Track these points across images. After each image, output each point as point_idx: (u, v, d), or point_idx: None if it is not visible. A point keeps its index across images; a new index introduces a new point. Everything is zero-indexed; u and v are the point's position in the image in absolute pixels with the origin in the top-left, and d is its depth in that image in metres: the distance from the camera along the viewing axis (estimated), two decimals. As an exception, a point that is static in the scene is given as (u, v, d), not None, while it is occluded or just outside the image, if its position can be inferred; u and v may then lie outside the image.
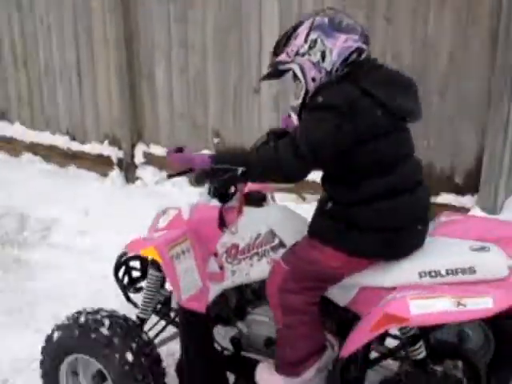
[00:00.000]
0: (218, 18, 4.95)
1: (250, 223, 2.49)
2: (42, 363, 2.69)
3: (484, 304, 1.93)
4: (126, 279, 2.98)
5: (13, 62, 6.24)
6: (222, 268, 2.53)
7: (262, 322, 2.57)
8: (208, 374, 2.59)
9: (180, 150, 2.40)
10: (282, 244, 2.40)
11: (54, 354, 2.64)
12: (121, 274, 2.95)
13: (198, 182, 2.27)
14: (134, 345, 2.52)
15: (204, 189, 2.38)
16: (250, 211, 2.53)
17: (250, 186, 2.60)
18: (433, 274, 2.12)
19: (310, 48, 2.22)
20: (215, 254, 2.56)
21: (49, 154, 6.14)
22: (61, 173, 5.86)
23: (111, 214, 4.77)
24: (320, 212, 2.31)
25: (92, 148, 5.89)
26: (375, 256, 2.22)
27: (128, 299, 3.00)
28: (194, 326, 2.58)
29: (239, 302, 2.62)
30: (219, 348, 2.68)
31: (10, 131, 6.38)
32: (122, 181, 5.61)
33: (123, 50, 5.40)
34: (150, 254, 2.54)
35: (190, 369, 2.60)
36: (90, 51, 5.68)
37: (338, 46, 2.19)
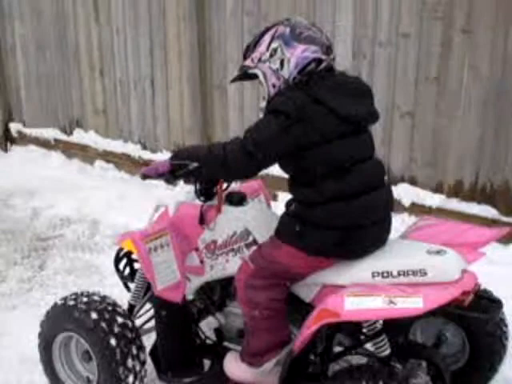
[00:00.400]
0: (291, 30, 4.95)
1: (228, 221, 2.63)
2: (39, 335, 2.89)
3: (414, 304, 2.02)
4: (127, 271, 3.12)
5: (89, 72, 6.42)
6: (202, 262, 2.71)
7: (236, 314, 2.72)
8: (181, 359, 2.78)
9: (148, 164, 2.67)
10: (255, 242, 2.56)
11: (49, 330, 2.84)
12: (122, 265, 3.11)
13: (167, 182, 2.50)
14: (118, 330, 2.67)
15: (190, 189, 2.67)
16: (228, 210, 2.67)
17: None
18: (385, 274, 2.23)
19: (271, 56, 2.35)
20: (196, 249, 2.72)
21: (121, 161, 6.28)
22: (131, 180, 5.97)
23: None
24: (285, 213, 2.45)
25: (162, 157, 5.98)
26: (332, 255, 2.33)
27: (128, 290, 3.14)
28: (169, 315, 2.77)
29: (221, 295, 2.79)
30: (203, 337, 2.87)
31: (84, 139, 6.56)
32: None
33: (196, 61, 5.48)
34: (128, 246, 2.76)
35: (163, 354, 2.79)
36: (164, 62, 5.78)
37: (296, 56, 2.32)
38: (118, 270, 3.11)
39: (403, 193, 4.62)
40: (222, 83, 5.45)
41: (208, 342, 2.87)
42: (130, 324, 2.75)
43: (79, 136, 6.62)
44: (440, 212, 4.49)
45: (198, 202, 2.73)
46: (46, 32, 6.66)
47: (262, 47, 2.37)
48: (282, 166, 2.43)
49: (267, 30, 2.40)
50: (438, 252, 2.24)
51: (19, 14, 6.83)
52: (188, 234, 2.75)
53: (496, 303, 2.40)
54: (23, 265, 4.38)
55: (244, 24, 5.19)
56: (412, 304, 2.03)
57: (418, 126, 4.55)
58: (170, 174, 2.43)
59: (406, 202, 4.61)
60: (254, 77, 2.46)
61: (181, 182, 2.65)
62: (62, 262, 4.41)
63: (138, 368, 2.71)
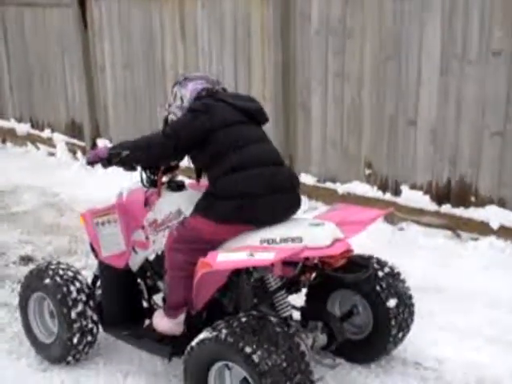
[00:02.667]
0: (376, 48, 4.93)
1: (165, 203, 3.15)
2: (19, 292, 3.55)
3: (267, 256, 2.55)
4: None
5: (174, 90, 6.57)
6: (147, 238, 3.22)
7: None
8: (121, 316, 3.36)
9: (94, 149, 3.27)
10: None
11: (23, 290, 3.51)
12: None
13: (103, 166, 3.05)
14: (75, 294, 3.29)
15: (138, 177, 3.24)
16: (166, 194, 3.19)
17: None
18: (270, 240, 2.71)
19: (174, 99, 3.14)
20: (142, 227, 3.23)
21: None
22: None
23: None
24: (204, 193, 2.95)
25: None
26: (235, 222, 2.80)
27: None
28: (111, 278, 3.36)
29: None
30: (152, 303, 3.38)
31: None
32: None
33: (280, 80, 5.52)
34: (80, 220, 3.42)
35: (106, 309, 3.38)
36: (248, 81, 5.86)
37: (189, 89, 3.10)
38: (93, 249, 3.50)
39: (492, 215, 4.48)
40: (306, 103, 5.46)
41: (155, 307, 3.35)
42: (86, 289, 3.36)
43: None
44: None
45: (143, 188, 3.26)
46: (134, 52, 6.89)
47: (169, 97, 3.21)
48: (196, 159, 3.03)
49: (173, 86, 3.19)
50: (317, 225, 2.72)
51: (109, 33, 7.10)
52: (135, 214, 3.27)
53: (364, 267, 2.94)
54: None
55: (329, 43, 5.20)
56: (266, 256, 2.55)
57: (509, 146, 4.40)
58: (106, 160, 3.02)
59: (495, 225, 4.46)
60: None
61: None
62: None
63: (89, 326, 3.32)
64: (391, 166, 5.04)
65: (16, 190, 6.79)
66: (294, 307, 3.08)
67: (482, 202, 4.57)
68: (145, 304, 3.43)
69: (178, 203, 3.11)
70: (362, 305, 3.22)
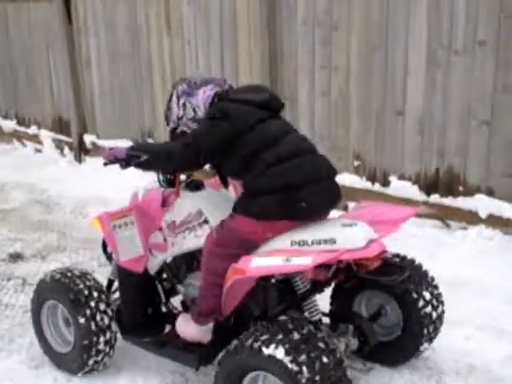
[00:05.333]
0: (363, 40, 4.93)
1: (184, 204, 3.01)
2: (32, 301, 3.36)
3: (305, 261, 2.40)
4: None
5: (161, 84, 6.57)
6: (165, 240, 3.08)
7: (193, 285, 3.05)
8: (141, 322, 3.22)
9: (111, 149, 3.01)
10: (206, 221, 2.92)
11: (38, 296, 3.32)
12: (109, 249, 3.38)
13: (122, 167, 2.88)
14: (93, 303, 3.11)
15: (155, 177, 3.12)
16: (185, 195, 3.05)
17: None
18: (301, 242, 2.55)
19: (184, 110, 2.91)
20: (160, 229, 3.10)
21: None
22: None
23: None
24: (241, 193, 2.80)
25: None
26: (278, 217, 2.63)
27: None
28: (131, 283, 3.20)
29: (185, 269, 3.15)
30: (171, 307, 3.25)
31: (155, 149, 6.67)
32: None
33: (267, 72, 5.51)
34: (95, 223, 3.20)
35: (125, 316, 3.24)
36: (235, 73, 5.84)
37: (201, 99, 2.89)
38: (105, 252, 3.45)
39: (480, 204, 4.50)
40: (293, 95, 5.45)
41: (175, 311, 3.23)
42: (104, 298, 3.18)
43: (151, 147, 6.75)
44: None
45: (161, 189, 3.14)
46: (119, 45, 6.85)
47: (174, 108, 2.95)
48: (223, 168, 2.88)
49: (171, 95, 2.98)
50: (350, 225, 2.58)
51: (94, 27, 7.05)
52: (153, 216, 3.14)
53: (400, 269, 2.79)
54: (100, 273, 4.47)
55: (315, 34, 5.19)
56: (303, 261, 2.40)
57: (496, 136, 4.42)
58: (125, 162, 2.86)
59: (483, 214, 4.48)
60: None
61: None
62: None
63: (107, 334, 3.13)
64: (379, 157, 5.06)
65: (3, 188, 6.76)
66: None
67: (470, 192, 4.60)
68: (163, 308, 3.29)
69: (198, 204, 2.97)
70: (390, 305, 3.09)
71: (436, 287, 3.10)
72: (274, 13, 5.39)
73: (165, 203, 3.10)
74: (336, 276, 2.83)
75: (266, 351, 2.41)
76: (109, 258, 3.45)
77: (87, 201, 6.08)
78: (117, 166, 2.95)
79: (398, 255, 3.09)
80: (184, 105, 2.91)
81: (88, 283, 3.19)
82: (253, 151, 2.70)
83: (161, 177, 3.09)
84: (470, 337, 3.41)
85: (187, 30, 6.16)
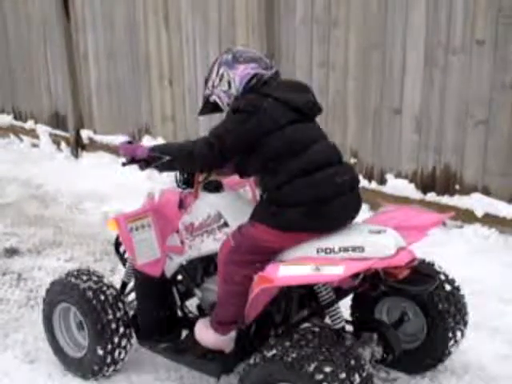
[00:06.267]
0: (361, 38, 4.93)
1: (203, 206, 2.90)
2: (43, 301, 3.28)
3: (336, 270, 2.29)
4: (126, 254, 3.32)
5: (159, 80, 6.55)
6: (182, 243, 2.99)
7: (210, 289, 2.97)
8: (158, 327, 3.10)
9: (130, 142, 2.93)
10: (226, 224, 2.82)
11: (51, 298, 3.23)
12: (122, 249, 3.38)
13: (141, 168, 2.78)
14: (109, 308, 3.04)
15: (173, 178, 3.05)
16: (204, 196, 2.93)
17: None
18: (328, 250, 2.45)
19: (220, 80, 2.79)
20: (177, 231, 3.00)
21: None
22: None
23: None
24: (260, 200, 2.72)
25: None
26: (302, 228, 2.54)
27: None
28: (148, 287, 3.10)
29: (202, 273, 3.06)
30: (187, 311, 3.15)
31: (152, 145, 6.66)
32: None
33: (265, 69, 5.49)
34: (112, 225, 3.07)
35: (142, 321, 3.13)
36: (233, 70, 5.83)
37: (239, 75, 2.74)
38: (118, 252, 3.41)
39: (476, 203, 4.51)
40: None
41: (191, 315, 3.14)
42: (120, 303, 3.11)
43: (148, 143, 6.74)
44: (515, 223, 4.38)
45: (178, 190, 3.05)
46: (117, 41, 6.84)
47: (213, 75, 2.83)
48: (243, 166, 2.73)
49: (215, 60, 2.86)
50: (378, 232, 2.47)
51: (92, 23, 7.03)
52: (170, 218, 3.03)
53: (430, 277, 2.62)
54: (96, 268, 4.45)
55: (313, 32, 5.19)
56: (334, 270, 2.29)
57: (493, 135, 4.43)
58: (145, 162, 2.76)
59: (479, 213, 4.49)
60: (217, 108, 2.89)
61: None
62: (132, 266, 4.47)
63: (122, 339, 3.07)
64: (376, 155, 5.06)
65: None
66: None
67: (466, 190, 4.60)
68: (178, 312, 3.19)
69: (217, 206, 2.86)
70: (413, 311, 3.01)
71: (458, 289, 3.04)
72: (273, 10, 5.38)
73: (182, 204, 3.01)
74: (362, 284, 2.64)
75: (291, 361, 2.32)
76: (122, 258, 3.40)
77: (84, 196, 6.07)
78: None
79: (424, 262, 2.96)
80: (222, 75, 2.78)
81: (102, 286, 3.11)
82: (277, 154, 2.58)
83: (178, 177, 3.02)
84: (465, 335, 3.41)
85: (185, 26, 6.14)
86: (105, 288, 3.11)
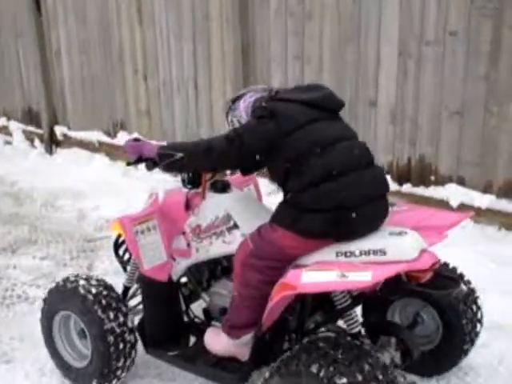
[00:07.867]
0: (336, 31, 4.93)
1: (211, 207, 2.79)
2: (42, 310, 3.11)
3: (363, 277, 2.16)
4: (126, 256, 3.27)
5: (133, 75, 6.50)
6: (189, 245, 2.87)
7: (220, 293, 2.87)
8: (166, 334, 2.97)
9: (137, 140, 2.78)
10: (236, 226, 2.70)
11: (49, 307, 3.07)
12: (121, 251, 3.28)
13: (148, 168, 2.67)
14: (111, 314, 2.89)
15: (179, 178, 2.92)
16: (211, 196, 2.82)
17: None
18: (348, 253, 2.35)
19: (233, 126, 2.71)
20: (183, 233, 2.89)
21: (164, 163, 6.30)
22: (177, 183, 6.00)
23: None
24: (281, 203, 2.58)
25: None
26: (324, 235, 2.42)
27: None
28: (155, 293, 2.97)
29: (209, 276, 2.96)
30: (192, 316, 3.03)
31: (128, 141, 6.61)
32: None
33: (240, 63, 5.49)
34: (116, 228, 2.93)
35: (149, 329, 2.99)
36: (207, 64, 5.81)
37: (242, 109, 2.71)
38: (117, 254, 3.29)
39: (451, 193, 4.55)
40: (266, 85, 5.42)
41: (197, 320, 3.02)
42: (123, 308, 2.97)
43: (123, 138, 6.68)
44: (489, 212, 4.41)
45: (184, 190, 2.93)
46: (90, 35, 6.76)
47: (227, 127, 2.74)
48: (271, 171, 2.61)
49: (226, 116, 2.84)
50: (399, 233, 2.36)
51: (64, 18, 6.94)
52: (175, 219, 2.92)
53: (454, 281, 2.49)
54: (72, 266, 4.45)
55: (288, 24, 5.18)
56: (362, 277, 2.17)
57: (467, 126, 4.47)
58: (153, 162, 2.63)
59: (454, 203, 4.53)
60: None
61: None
62: (109, 263, 4.42)
63: (127, 347, 2.93)
64: (352, 148, 5.07)
65: (-28, 180, 6.64)
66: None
67: (441, 181, 4.64)
68: (184, 317, 3.07)
69: (225, 207, 2.74)
70: (427, 312, 2.93)
71: (474, 290, 2.98)
72: (247, 3, 5.36)
73: (189, 205, 2.90)
74: (383, 288, 2.48)
75: (315, 372, 2.20)
76: (121, 262, 3.30)
77: (59, 193, 6.00)
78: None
79: (446, 264, 2.90)
80: (232, 120, 2.76)
81: (104, 291, 2.96)
82: (299, 154, 2.45)
83: (184, 176, 2.88)
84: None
85: (158, 21, 6.09)
86: (106, 293, 2.96)
